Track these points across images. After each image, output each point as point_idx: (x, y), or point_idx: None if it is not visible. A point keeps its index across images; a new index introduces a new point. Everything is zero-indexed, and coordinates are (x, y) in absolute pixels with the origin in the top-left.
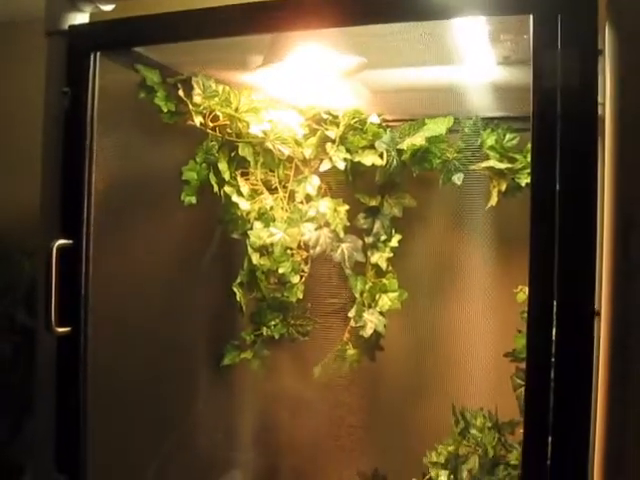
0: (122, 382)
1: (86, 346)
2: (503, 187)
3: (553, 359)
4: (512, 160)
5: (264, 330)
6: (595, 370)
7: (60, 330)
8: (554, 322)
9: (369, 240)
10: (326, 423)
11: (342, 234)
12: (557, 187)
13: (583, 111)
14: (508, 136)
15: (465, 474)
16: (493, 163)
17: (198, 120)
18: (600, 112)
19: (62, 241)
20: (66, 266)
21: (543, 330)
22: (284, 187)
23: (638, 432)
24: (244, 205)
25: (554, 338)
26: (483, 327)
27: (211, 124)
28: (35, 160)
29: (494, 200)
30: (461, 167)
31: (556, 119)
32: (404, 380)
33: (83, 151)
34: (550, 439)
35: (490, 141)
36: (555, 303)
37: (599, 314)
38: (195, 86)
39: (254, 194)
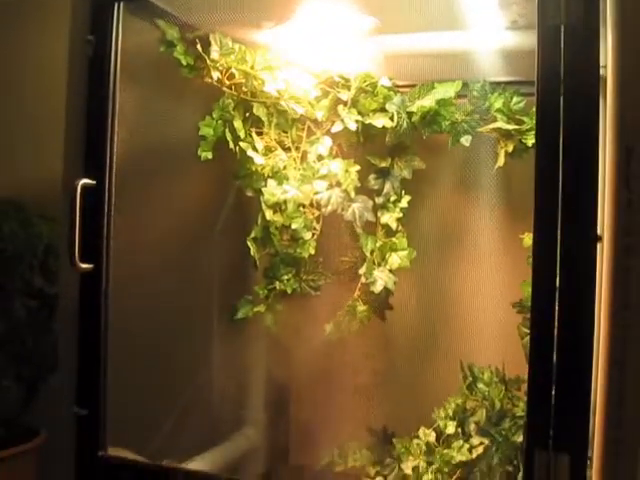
0: (140, 327)
1: (107, 283)
2: (510, 148)
3: (557, 288)
4: (519, 122)
5: (277, 284)
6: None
7: (83, 266)
8: (558, 252)
9: (379, 200)
10: (336, 379)
11: (353, 194)
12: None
13: (586, 48)
14: (515, 99)
15: (472, 426)
16: (501, 124)
17: (216, 75)
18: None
19: (86, 181)
20: (90, 209)
21: (547, 260)
22: (297, 148)
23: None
24: (259, 160)
25: (559, 265)
26: (491, 285)
27: (227, 82)
28: (56, 129)
29: (501, 161)
30: (469, 129)
31: (560, 60)
32: (413, 338)
33: (106, 97)
34: (554, 373)
35: (498, 104)
36: (559, 232)
37: (601, 239)
38: (213, 42)
39: (268, 152)
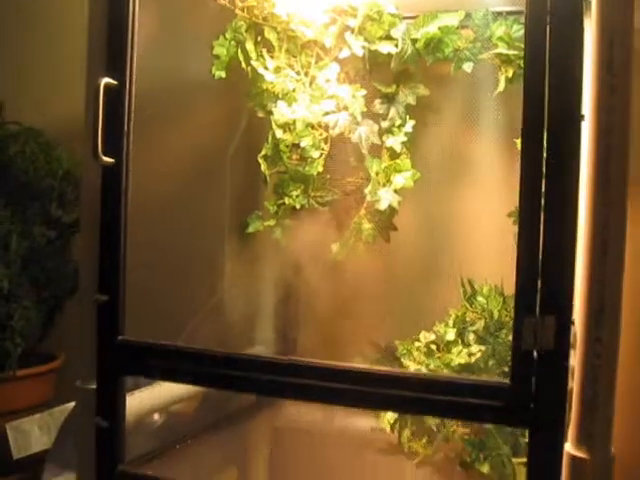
0: (155, 232)
1: (127, 179)
2: (510, 73)
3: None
4: (519, 48)
5: (286, 200)
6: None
7: (105, 159)
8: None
9: (385, 125)
10: (342, 296)
11: (359, 118)
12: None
13: None
14: (515, 27)
15: (471, 336)
16: (502, 49)
17: None
18: None
19: (108, 80)
20: (111, 107)
21: (535, 140)
22: (306, 73)
23: (616, 232)
24: (270, 77)
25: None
26: (492, 206)
27: (240, 3)
28: (77, 58)
29: (502, 86)
30: (471, 56)
31: None
32: (416, 258)
33: (126, 8)
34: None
35: (499, 32)
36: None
37: (584, 118)
38: None
39: (278, 72)
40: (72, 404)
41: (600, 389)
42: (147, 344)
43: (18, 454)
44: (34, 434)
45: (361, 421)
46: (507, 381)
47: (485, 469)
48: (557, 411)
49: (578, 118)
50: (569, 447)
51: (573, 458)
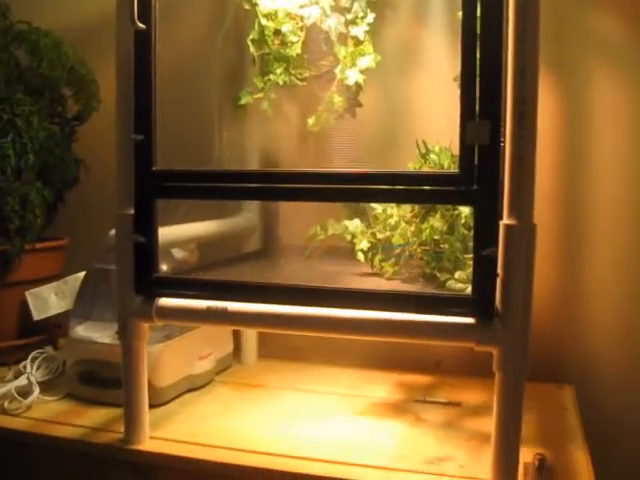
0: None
1: (155, 44)
2: None
3: None
4: None
5: (271, 77)
6: None
7: (139, 25)
8: None
9: (349, 17)
10: (318, 164)
11: (329, 11)
12: None
13: None
14: None
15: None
16: None
17: None
18: None
19: None
20: None
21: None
22: None
23: (531, 56)
24: None
25: None
26: (440, 80)
27: None
28: None
29: None
30: None
31: None
32: (379, 129)
33: None
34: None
35: None
36: None
37: None
38: None
39: None
40: (82, 273)
41: (524, 172)
42: (175, 171)
43: (38, 317)
44: (51, 299)
45: (340, 267)
46: (457, 170)
47: (445, 264)
48: (494, 190)
49: None
50: (503, 220)
51: (506, 226)
